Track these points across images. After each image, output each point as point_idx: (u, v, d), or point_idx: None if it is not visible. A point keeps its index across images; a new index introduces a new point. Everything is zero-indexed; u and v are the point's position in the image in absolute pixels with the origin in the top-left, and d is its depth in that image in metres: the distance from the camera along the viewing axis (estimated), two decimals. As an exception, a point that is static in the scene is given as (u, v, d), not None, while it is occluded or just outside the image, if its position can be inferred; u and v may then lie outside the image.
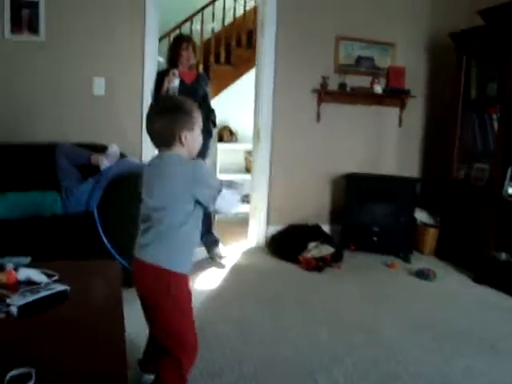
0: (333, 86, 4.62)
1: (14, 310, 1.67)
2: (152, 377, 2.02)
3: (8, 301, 1.72)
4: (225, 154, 6.49)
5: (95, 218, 3.14)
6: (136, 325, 2.06)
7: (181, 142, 1.83)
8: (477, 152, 4.29)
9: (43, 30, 4.04)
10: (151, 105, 1.95)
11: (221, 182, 1.85)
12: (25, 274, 1.97)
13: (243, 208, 4.77)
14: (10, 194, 3.37)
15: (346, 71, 4.68)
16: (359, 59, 4.71)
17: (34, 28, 4.05)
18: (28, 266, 2.09)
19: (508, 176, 3.73)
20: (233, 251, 4.39)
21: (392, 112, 4.87)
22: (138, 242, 1.89)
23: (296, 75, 4.59)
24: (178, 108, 1.86)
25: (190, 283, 1.98)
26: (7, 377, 1.24)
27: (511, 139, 3.72)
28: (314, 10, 4.55)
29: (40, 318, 1.69)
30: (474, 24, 4.15)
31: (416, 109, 4.90)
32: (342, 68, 4.68)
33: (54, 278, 1.98)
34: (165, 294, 1.82)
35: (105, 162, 3.52)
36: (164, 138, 1.84)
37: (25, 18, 4.04)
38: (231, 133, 6.68)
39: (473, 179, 4.24)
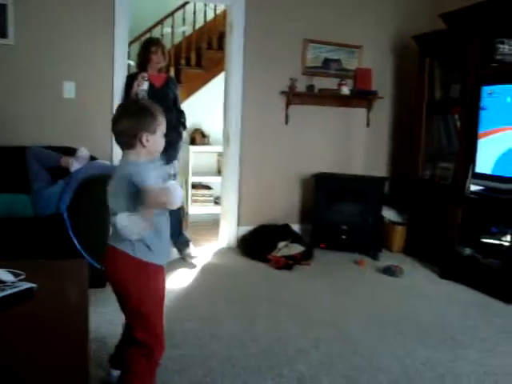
0: (301, 88, 4.70)
1: None
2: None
3: None
4: (197, 156, 6.52)
5: (65, 219, 3.16)
6: (108, 324, 2.09)
7: (141, 144, 1.85)
8: (442, 151, 4.41)
9: (12, 33, 4.04)
10: (117, 107, 1.99)
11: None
12: None
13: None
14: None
15: (314, 73, 4.77)
16: (326, 61, 4.80)
17: (2, 31, 4.04)
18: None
19: (469, 174, 3.84)
20: (204, 252, 4.43)
21: (360, 113, 4.97)
22: (112, 229, 1.93)
23: (264, 77, 4.65)
24: (142, 110, 1.89)
25: (164, 274, 2.02)
26: None
27: (473, 139, 3.84)
28: (282, 14, 4.62)
29: (5, 314, 1.71)
30: (437, 27, 4.27)
31: (383, 109, 5.01)
32: (310, 70, 4.76)
33: (21, 277, 2.00)
34: (136, 281, 1.87)
35: (75, 165, 3.54)
36: (126, 138, 1.87)
37: (-8, 20, 4.03)
38: (203, 135, 6.70)
39: (438, 178, 4.36)
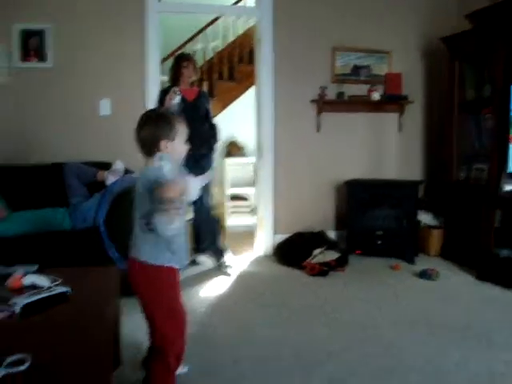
0: (331, 95, 4.75)
1: (17, 309, 1.85)
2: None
3: (12, 301, 1.90)
4: (233, 168, 6.63)
5: (101, 231, 3.29)
6: (140, 328, 2.18)
7: (161, 150, 1.94)
8: (475, 152, 4.35)
9: (51, 57, 4.27)
10: (139, 117, 2.10)
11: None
12: (30, 279, 2.16)
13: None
14: (22, 212, 3.60)
15: (344, 80, 4.81)
16: (356, 68, 4.84)
17: (41, 55, 4.27)
18: (35, 272, 2.27)
19: (503, 174, 3.79)
20: (240, 261, 4.51)
21: (391, 118, 4.97)
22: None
23: (295, 87, 4.73)
24: (160, 118, 1.99)
25: (177, 278, 2.07)
26: (5, 361, 1.41)
27: (505, 138, 3.79)
28: (309, 24, 4.70)
29: (41, 316, 1.86)
30: (466, 27, 4.24)
31: (415, 113, 4.99)
32: (339, 78, 4.80)
33: (57, 282, 2.14)
34: (147, 287, 1.96)
35: (110, 178, 3.69)
36: (146, 146, 1.97)
37: (33, 45, 4.26)
38: (239, 147, 6.82)
39: (473, 180, 4.30)
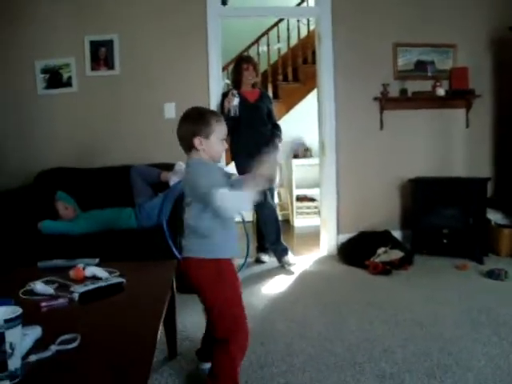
0: (394, 92, 4.68)
1: (75, 296, 2.02)
2: (209, 365, 2.19)
3: (71, 289, 2.08)
4: (300, 169, 6.66)
5: (165, 229, 3.41)
6: (194, 323, 2.25)
7: (195, 147, 2.03)
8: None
9: (118, 65, 4.50)
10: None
11: (218, 182, 1.98)
12: (91, 271, 2.33)
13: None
14: (92, 212, 3.83)
15: (406, 77, 4.72)
16: (419, 64, 4.74)
17: (110, 64, 4.51)
18: (96, 265, 2.44)
19: None
20: (304, 260, 4.52)
21: (458, 114, 4.82)
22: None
23: (356, 85, 4.70)
24: (196, 116, 2.08)
25: (234, 268, 2.13)
26: (59, 339, 1.56)
27: None
28: (369, 19, 4.67)
29: (98, 303, 2.01)
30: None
31: (483, 108, 4.81)
32: (402, 74, 4.72)
33: (115, 274, 2.29)
34: (205, 281, 2.02)
35: (173, 178, 3.82)
36: (183, 142, 2.08)
37: (102, 55, 4.50)
38: (306, 148, 6.84)
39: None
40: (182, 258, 2.09)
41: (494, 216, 4.58)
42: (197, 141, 2.01)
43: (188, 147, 2.05)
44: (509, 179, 4.60)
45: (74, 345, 1.55)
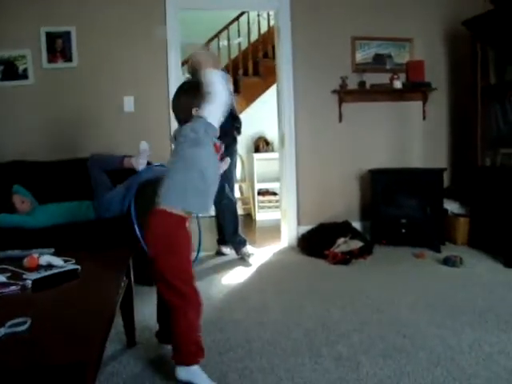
0: (352, 85, 4.73)
1: (28, 283, 1.98)
2: (169, 347, 2.21)
3: (24, 276, 2.04)
4: (262, 163, 6.68)
5: (133, 219, 3.34)
6: (154, 313, 2.24)
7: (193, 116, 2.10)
8: (502, 137, 4.25)
9: (76, 57, 4.41)
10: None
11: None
12: (45, 259, 2.29)
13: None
14: (49, 205, 3.75)
15: (364, 70, 4.79)
16: (377, 57, 4.81)
17: (67, 56, 4.42)
18: (52, 255, 2.39)
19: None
20: (265, 252, 4.54)
21: (415, 106, 4.91)
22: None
23: (315, 78, 4.73)
24: (194, 88, 2.13)
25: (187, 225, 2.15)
26: (9, 322, 1.52)
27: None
28: (328, 13, 4.71)
29: (52, 290, 1.99)
30: (487, 9, 4.15)
31: (439, 100, 4.92)
32: (360, 67, 4.79)
33: (70, 263, 2.26)
34: (166, 238, 2.05)
35: (140, 162, 3.71)
36: (182, 113, 2.14)
37: (59, 47, 4.41)
38: (267, 143, 6.86)
39: (499, 164, 4.21)
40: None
41: (451, 206, 4.69)
42: (194, 112, 2.08)
43: (186, 119, 2.10)
44: (464, 170, 4.70)
45: (24, 327, 1.51)
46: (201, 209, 2.18)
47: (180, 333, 2.07)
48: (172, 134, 2.26)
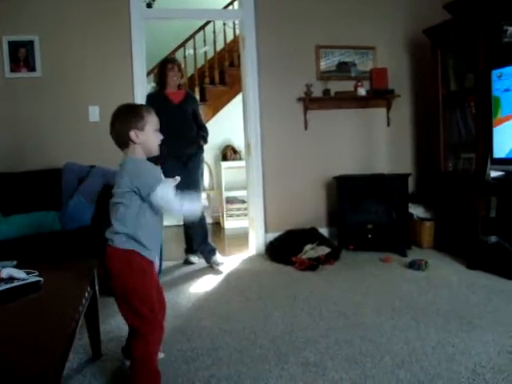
0: (317, 93, 4.78)
1: None
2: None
3: None
4: (230, 171, 6.67)
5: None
6: (120, 324, 2.22)
7: (132, 141, 2.04)
8: (463, 142, 4.35)
9: (39, 67, 4.36)
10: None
11: (161, 182, 2.03)
12: (7, 272, 2.23)
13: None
14: (14, 217, 3.69)
15: (329, 77, 4.84)
16: (341, 65, 4.87)
17: (30, 65, 4.36)
18: (14, 267, 2.34)
19: (488, 161, 3.80)
20: (233, 260, 4.53)
21: (379, 113, 4.99)
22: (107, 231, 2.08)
23: (280, 86, 4.77)
24: (127, 111, 2.11)
25: (154, 269, 2.14)
26: None
27: (489, 125, 3.79)
28: (292, 22, 4.76)
29: (13, 303, 1.97)
30: (445, 19, 4.26)
31: (403, 107, 5.01)
32: (325, 75, 4.84)
33: (33, 275, 2.21)
34: (129, 273, 2.00)
35: None
36: (119, 137, 2.07)
37: (21, 56, 4.35)
38: (235, 151, 6.87)
39: (461, 169, 4.31)
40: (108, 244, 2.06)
41: (416, 210, 4.77)
42: (133, 134, 2.02)
43: (124, 143, 2.06)
44: (428, 174, 4.79)
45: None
46: None
47: (139, 359, 2.03)
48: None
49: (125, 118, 2.06)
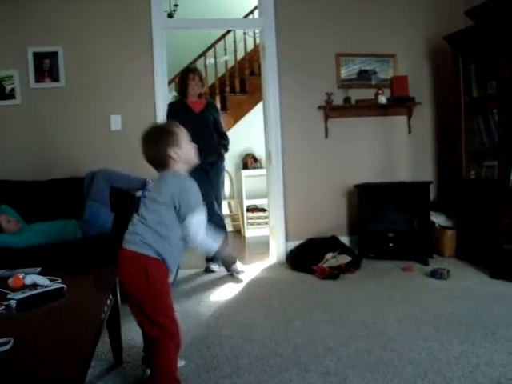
0: (338, 101, 4.78)
1: (12, 303, 1.98)
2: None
3: (9, 296, 2.05)
4: (250, 180, 6.69)
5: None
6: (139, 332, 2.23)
7: (173, 158, 2.07)
8: (485, 150, 4.30)
9: (63, 77, 4.44)
10: (141, 138, 2.15)
11: (201, 207, 2.05)
12: (31, 279, 2.30)
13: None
14: (37, 224, 3.75)
15: (349, 86, 4.84)
16: (361, 73, 4.87)
17: (54, 76, 4.45)
18: (38, 274, 2.41)
19: (512, 168, 3.75)
20: (254, 268, 4.53)
21: (400, 121, 4.96)
22: (127, 236, 2.10)
23: (301, 94, 4.78)
24: (160, 134, 2.12)
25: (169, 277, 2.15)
26: None
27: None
28: (312, 31, 4.77)
29: (37, 309, 1.99)
30: (467, 25, 4.23)
31: (424, 115, 4.97)
32: (345, 83, 4.84)
33: (56, 282, 2.25)
34: (142, 279, 2.00)
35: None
36: (159, 160, 2.10)
37: (46, 67, 4.44)
38: (255, 159, 6.88)
39: (484, 177, 4.26)
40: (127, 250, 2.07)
41: (438, 218, 4.72)
42: (172, 153, 2.05)
43: (164, 164, 2.08)
44: (450, 182, 4.74)
45: (7, 348, 1.51)
46: None
47: (159, 368, 2.04)
48: None
49: (160, 140, 2.08)
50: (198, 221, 2.00)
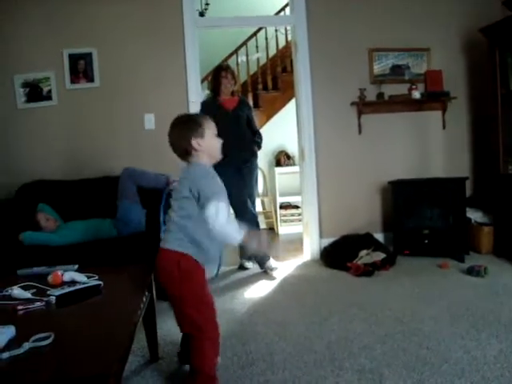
0: (371, 96, 4.74)
1: (52, 299, 2.05)
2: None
3: (48, 292, 2.11)
4: (283, 177, 6.70)
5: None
6: (177, 328, 2.27)
7: (195, 148, 2.10)
8: (523, 144, 4.21)
9: (98, 77, 4.52)
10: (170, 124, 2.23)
11: (219, 195, 2.06)
12: (69, 275, 2.36)
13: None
14: (73, 223, 3.84)
15: (383, 81, 4.80)
16: (394, 68, 4.81)
17: (89, 76, 4.53)
18: (75, 271, 2.47)
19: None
20: (288, 266, 4.54)
21: (434, 116, 4.89)
22: (162, 234, 2.16)
23: (334, 90, 4.76)
24: (185, 121, 2.18)
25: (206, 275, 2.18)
26: (33, 337, 1.58)
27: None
28: (344, 26, 4.75)
29: (75, 306, 2.05)
30: (505, 16, 4.13)
31: (459, 110, 4.88)
32: (378, 78, 4.80)
33: (93, 278, 2.31)
34: (184, 276, 2.05)
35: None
36: (180, 147, 2.13)
37: (81, 68, 4.53)
38: (288, 157, 6.88)
39: (522, 172, 4.17)
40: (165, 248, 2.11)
41: (474, 215, 4.64)
42: (194, 142, 2.09)
43: (186, 152, 2.12)
44: (487, 178, 4.65)
45: (48, 342, 1.56)
46: None
47: (194, 364, 2.09)
48: None
49: (184, 127, 2.13)
50: (215, 207, 1.99)
